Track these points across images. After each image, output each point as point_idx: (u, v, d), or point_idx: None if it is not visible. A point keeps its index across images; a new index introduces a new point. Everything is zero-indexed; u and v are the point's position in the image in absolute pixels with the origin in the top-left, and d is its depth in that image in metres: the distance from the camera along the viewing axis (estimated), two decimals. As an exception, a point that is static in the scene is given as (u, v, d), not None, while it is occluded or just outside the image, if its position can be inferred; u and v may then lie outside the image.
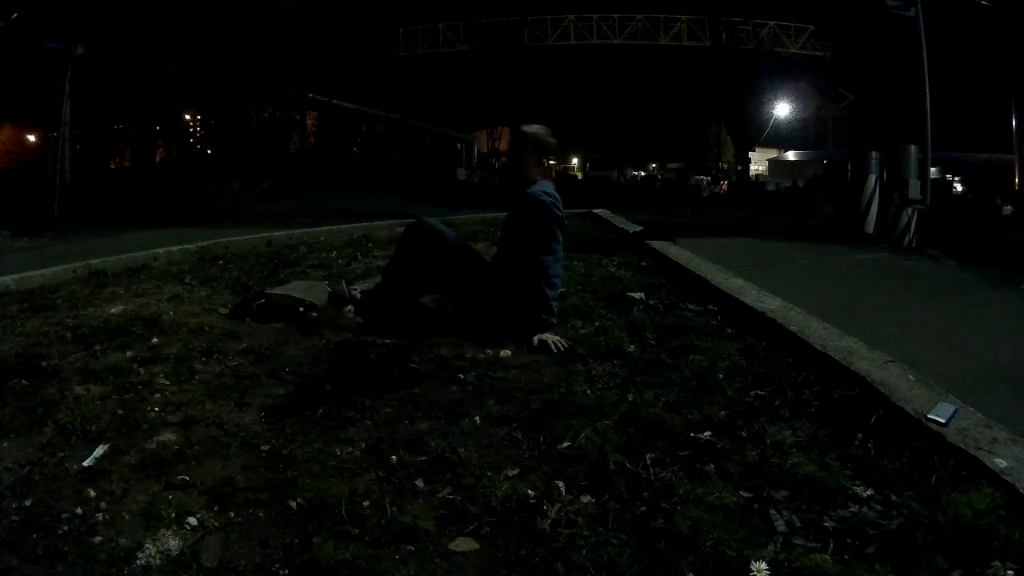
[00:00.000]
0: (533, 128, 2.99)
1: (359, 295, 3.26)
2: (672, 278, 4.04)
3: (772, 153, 46.27)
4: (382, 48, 32.42)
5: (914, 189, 9.18)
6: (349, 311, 3.11)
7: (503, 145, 43.69)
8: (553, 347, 2.62)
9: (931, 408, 1.79)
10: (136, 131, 23.14)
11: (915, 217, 9.21)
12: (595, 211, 8.53)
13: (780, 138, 45.61)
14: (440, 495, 1.58)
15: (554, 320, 2.85)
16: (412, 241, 3.04)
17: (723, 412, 1.99)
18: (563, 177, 46.54)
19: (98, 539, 1.41)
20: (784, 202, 23.04)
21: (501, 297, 2.88)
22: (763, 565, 1.22)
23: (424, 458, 1.76)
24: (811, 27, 31.00)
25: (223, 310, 3.29)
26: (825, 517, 1.43)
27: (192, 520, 1.47)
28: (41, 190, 12.68)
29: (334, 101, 29.61)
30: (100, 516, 1.50)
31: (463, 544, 1.39)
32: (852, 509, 1.46)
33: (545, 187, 2.92)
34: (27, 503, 1.55)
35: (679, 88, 43.49)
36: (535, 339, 2.68)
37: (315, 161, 29.80)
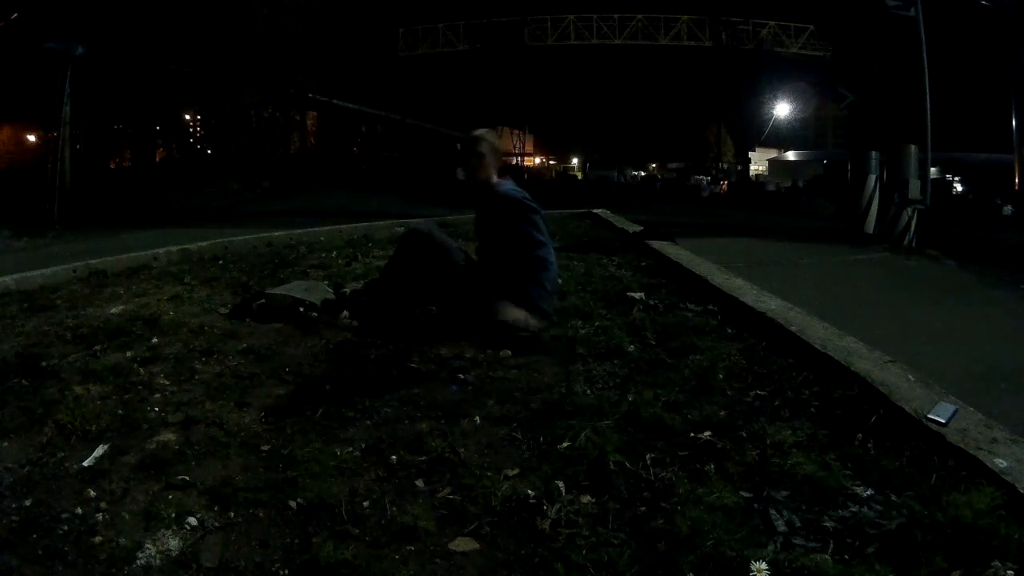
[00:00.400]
0: (484, 132, 3.08)
1: (348, 293, 3.27)
2: (672, 278, 4.05)
3: (772, 153, 46.28)
4: (382, 48, 32.45)
5: (914, 189, 9.17)
6: (345, 316, 3.10)
7: (504, 145, 43.71)
8: (515, 321, 2.64)
9: (931, 408, 1.79)
10: (136, 131, 23.15)
11: (915, 217, 9.21)
12: (595, 211, 8.53)
13: (780, 138, 45.63)
14: (440, 495, 1.58)
15: (548, 308, 2.89)
16: (409, 249, 3.03)
17: (723, 412, 1.99)
18: (563, 177, 46.61)
19: (98, 539, 1.41)
20: (784, 202, 23.06)
21: (497, 297, 2.88)
22: (763, 565, 1.22)
23: (424, 458, 1.76)
24: (811, 27, 31.01)
25: (223, 310, 3.29)
26: (825, 517, 1.43)
27: (192, 520, 1.47)
28: (41, 190, 12.68)
29: (334, 101, 29.59)
30: (100, 516, 1.50)
31: (463, 544, 1.39)
32: (852, 509, 1.46)
33: (513, 185, 3.01)
34: (27, 503, 1.55)
35: (679, 88, 43.52)
36: (506, 312, 2.69)
37: (315, 161, 29.79)
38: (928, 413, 1.76)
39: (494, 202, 2.97)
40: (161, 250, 5.03)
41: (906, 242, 9.04)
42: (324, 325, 2.99)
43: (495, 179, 3.01)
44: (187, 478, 1.65)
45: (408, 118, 36.54)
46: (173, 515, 1.48)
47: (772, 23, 33.18)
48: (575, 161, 58.06)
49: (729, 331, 2.86)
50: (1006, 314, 4.99)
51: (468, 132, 3.11)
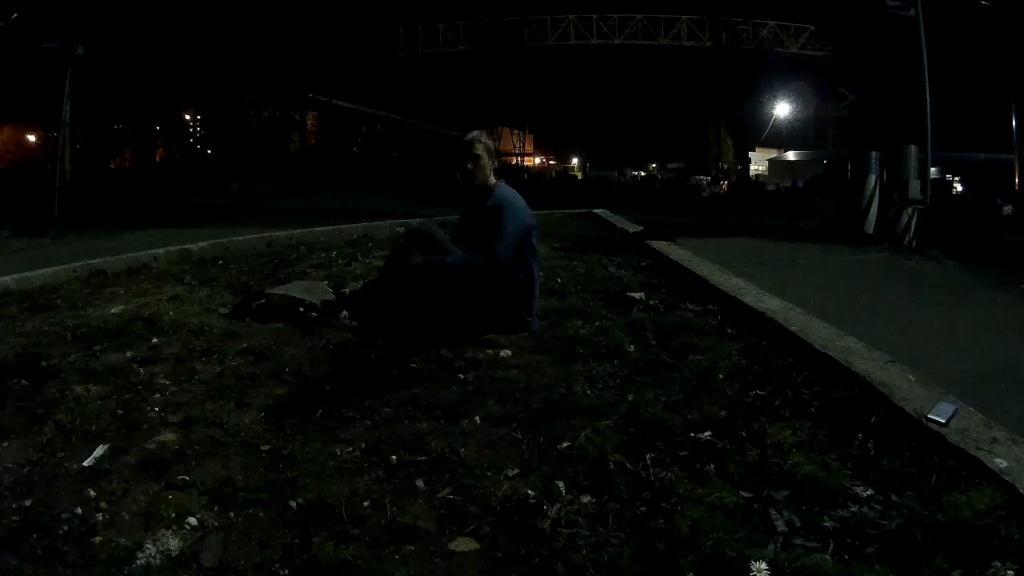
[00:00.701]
0: (478, 133, 3.08)
1: (347, 294, 3.27)
2: (672, 278, 4.05)
3: (772, 153, 46.29)
4: (382, 48, 32.43)
5: (914, 189, 9.17)
6: (344, 316, 3.10)
7: (504, 145, 43.71)
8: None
9: (931, 408, 1.79)
10: (136, 131, 23.13)
11: (915, 217, 9.20)
12: (595, 211, 8.54)
13: (780, 138, 45.70)
14: (440, 495, 1.58)
15: (531, 318, 2.92)
16: (410, 246, 3.02)
17: (723, 412, 1.99)
18: (563, 177, 46.60)
19: (98, 539, 1.41)
20: (784, 202, 23.04)
21: (492, 296, 2.88)
22: (763, 565, 1.22)
23: (424, 458, 1.76)
24: (811, 27, 31.02)
25: (223, 310, 3.29)
26: (825, 517, 1.43)
27: (192, 520, 1.47)
28: (41, 190, 12.67)
29: (334, 101, 29.60)
30: (100, 516, 1.50)
31: (463, 544, 1.39)
32: (852, 509, 1.46)
33: (511, 189, 3.01)
34: (27, 503, 1.55)
35: (679, 88, 43.61)
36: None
37: (315, 161, 29.80)
38: (928, 413, 1.76)
39: (490, 204, 2.95)
40: (161, 250, 5.03)
41: (906, 242, 9.04)
42: (324, 325, 2.99)
43: (492, 180, 3.01)
44: (187, 478, 1.65)
45: (408, 118, 36.55)
46: (173, 515, 1.47)
47: (772, 23, 33.16)
48: (575, 161, 58.08)
49: (729, 331, 2.86)
50: (1006, 314, 4.98)
51: (463, 134, 3.10)
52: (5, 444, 1.85)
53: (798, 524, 1.41)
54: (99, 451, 1.79)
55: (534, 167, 52.68)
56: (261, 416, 2.03)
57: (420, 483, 1.64)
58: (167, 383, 2.30)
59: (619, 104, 49.79)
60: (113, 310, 3.29)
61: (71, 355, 2.59)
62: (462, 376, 2.35)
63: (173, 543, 1.40)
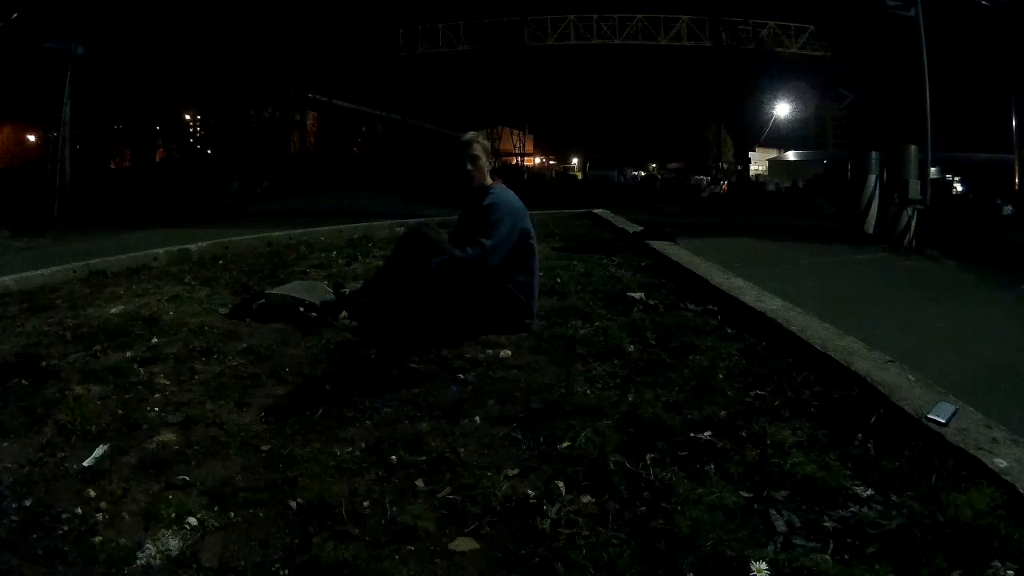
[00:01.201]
0: (475, 135, 3.07)
1: (347, 294, 3.28)
2: (672, 278, 4.05)
3: (772, 153, 46.34)
4: (382, 48, 32.43)
5: (914, 189, 9.18)
6: (344, 316, 3.10)
7: (504, 145, 43.72)
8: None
9: (931, 408, 1.79)
10: (136, 131, 23.15)
11: (915, 217, 9.21)
12: (595, 211, 8.54)
13: (780, 138, 45.72)
14: (440, 495, 1.58)
15: (531, 320, 2.92)
16: (407, 249, 3.01)
17: (723, 412, 1.98)
18: (563, 177, 46.59)
19: (98, 539, 1.41)
20: (784, 202, 23.05)
21: (490, 298, 2.88)
22: (763, 565, 1.22)
23: (424, 458, 1.76)
24: (811, 27, 31.03)
25: (223, 310, 3.29)
26: (825, 517, 1.43)
27: (192, 520, 1.47)
28: (41, 190, 12.68)
29: (334, 101, 29.64)
30: (100, 516, 1.50)
31: (463, 544, 1.39)
32: (852, 509, 1.46)
33: (508, 190, 3.00)
34: (27, 503, 1.55)
35: (679, 88, 43.54)
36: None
37: (315, 161, 29.82)
38: (928, 413, 1.76)
39: (484, 204, 2.94)
40: (161, 250, 5.04)
41: (906, 242, 9.05)
42: (324, 325, 2.99)
43: (489, 181, 3.01)
44: (187, 478, 1.65)
45: (408, 118, 36.56)
46: (173, 515, 1.48)
47: (772, 23, 33.12)
48: (575, 161, 58.01)
49: (729, 331, 2.86)
50: (1006, 314, 4.99)
51: (461, 135, 3.09)
52: (5, 444, 1.85)
53: (798, 524, 1.41)
54: (99, 451, 1.79)
55: (534, 167, 52.58)
56: (261, 416, 2.03)
57: (420, 483, 1.64)
58: (167, 383, 2.30)
59: (619, 104, 49.63)
60: (113, 310, 3.29)
61: (71, 355, 2.59)
62: (462, 376, 2.35)
63: (173, 543, 1.40)
